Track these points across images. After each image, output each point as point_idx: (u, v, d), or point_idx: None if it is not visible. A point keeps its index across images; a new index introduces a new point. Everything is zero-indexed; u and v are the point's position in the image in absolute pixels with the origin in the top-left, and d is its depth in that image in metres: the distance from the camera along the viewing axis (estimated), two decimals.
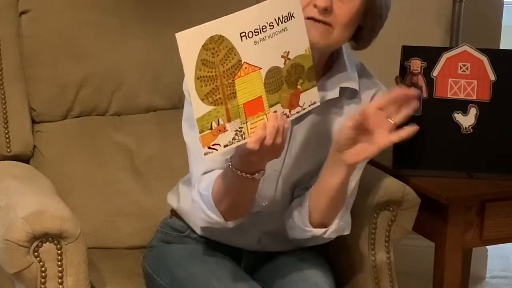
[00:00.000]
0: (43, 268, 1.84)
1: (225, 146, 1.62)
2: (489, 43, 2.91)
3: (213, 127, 1.60)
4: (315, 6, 1.78)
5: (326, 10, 1.79)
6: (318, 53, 1.80)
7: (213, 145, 1.60)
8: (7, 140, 2.27)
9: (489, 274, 3.31)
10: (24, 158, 2.30)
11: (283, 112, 1.68)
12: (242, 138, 1.63)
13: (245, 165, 1.70)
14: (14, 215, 1.85)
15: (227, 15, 1.62)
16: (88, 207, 2.25)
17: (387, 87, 1.99)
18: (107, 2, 2.35)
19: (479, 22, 2.97)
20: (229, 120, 1.61)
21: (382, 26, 1.89)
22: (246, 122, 1.63)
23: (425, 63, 2.24)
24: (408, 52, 2.25)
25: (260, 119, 1.64)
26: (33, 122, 2.32)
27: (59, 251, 1.85)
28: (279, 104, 1.67)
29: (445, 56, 2.24)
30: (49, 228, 1.83)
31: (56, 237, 1.84)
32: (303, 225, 1.91)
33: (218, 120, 1.60)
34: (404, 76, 2.25)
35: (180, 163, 2.24)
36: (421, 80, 2.25)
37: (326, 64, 1.91)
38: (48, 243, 1.84)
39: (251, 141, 1.63)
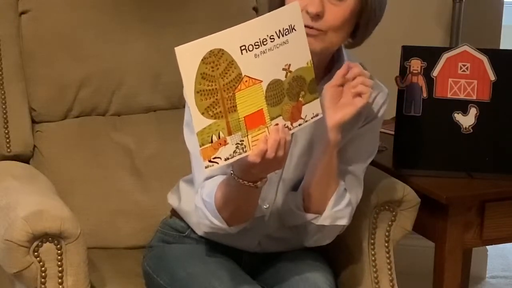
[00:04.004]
0: (43, 268, 1.84)
1: (226, 160, 1.61)
2: (489, 43, 2.91)
3: (213, 141, 1.59)
4: (307, 12, 1.77)
5: (318, 16, 1.78)
6: (317, 56, 1.79)
7: (213, 158, 1.60)
8: (7, 140, 2.27)
9: (489, 274, 3.31)
10: (24, 158, 2.30)
11: (284, 124, 1.67)
12: (243, 151, 1.63)
13: (247, 175, 1.70)
14: (14, 215, 1.85)
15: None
16: (88, 207, 2.25)
17: (387, 87, 1.99)
18: (107, 2, 2.35)
19: (479, 22, 2.97)
20: (229, 133, 1.61)
21: (376, 24, 1.89)
22: (247, 135, 1.63)
23: (425, 63, 2.24)
24: (408, 52, 2.25)
25: (261, 132, 1.64)
26: (33, 122, 2.32)
27: (59, 251, 1.85)
28: (281, 117, 1.67)
29: (445, 56, 2.24)
30: (49, 228, 1.83)
31: (56, 237, 1.84)
32: (297, 209, 1.91)
33: (219, 133, 1.59)
34: (404, 76, 2.25)
35: (180, 163, 2.24)
36: (421, 80, 2.25)
37: (327, 66, 1.91)
38: (48, 243, 1.84)
39: (252, 154, 1.63)
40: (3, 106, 2.28)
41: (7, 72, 2.29)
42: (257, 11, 2.49)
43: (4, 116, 2.28)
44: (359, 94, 1.78)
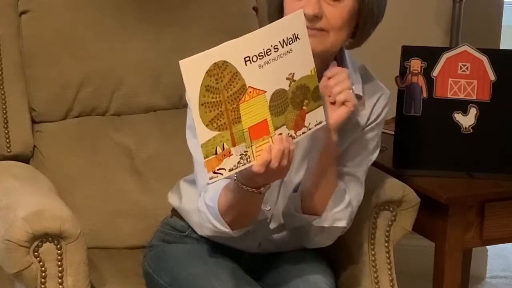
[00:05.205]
0: (43, 268, 1.84)
1: (230, 170, 1.61)
2: (489, 43, 2.91)
3: (218, 152, 1.59)
4: (305, 14, 1.76)
5: (316, 17, 1.78)
6: (318, 59, 1.78)
7: (218, 169, 1.60)
8: (7, 140, 2.27)
9: (489, 274, 3.31)
10: (24, 158, 2.30)
11: (288, 133, 1.67)
12: (248, 161, 1.63)
13: (251, 183, 1.71)
14: (14, 215, 1.85)
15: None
16: (88, 207, 2.25)
17: (388, 87, 1.99)
18: (107, 2, 2.35)
19: (479, 22, 2.97)
20: (234, 145, 1.60)
21: (376, 25, 1.88)
22: (251, 146, 1.62)
23: (425, 63, 2.24)
24: (408, 52, 2.25)
25: (266, 142, 1.64)
26: (33, 122, 2.32)
27: (59, 251, 1.85)
28: (285, 126, 1.67)
29: (445, 56, 2.24)
30: (49, 228, 1.83)
31: (56, 237, 1.84)
32: (296, 211, 1.91)
33: (223, 144, 1.59)
34: (404, 76, 2.25)
35: (180, 163, 2.24)
36: (421, 80, 2.25)
37: (329, 68, 1.90)
38: (48, 243, 1.84)
39: (256, 165, 1.63)
40: (3, 106, 2.28)
41: (7, 72, 2.29)
42: (257, 11, 2.49)
43: (4, 116, 2.28)
44: (343, 103, 1.78)
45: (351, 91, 1.78)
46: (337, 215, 1.90)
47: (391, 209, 2.09)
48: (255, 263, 2.03)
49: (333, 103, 1.78)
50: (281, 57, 1.63)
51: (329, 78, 1.79)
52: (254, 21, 2.46)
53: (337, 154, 1.88)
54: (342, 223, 1.92)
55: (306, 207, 1.90)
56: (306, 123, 1.71)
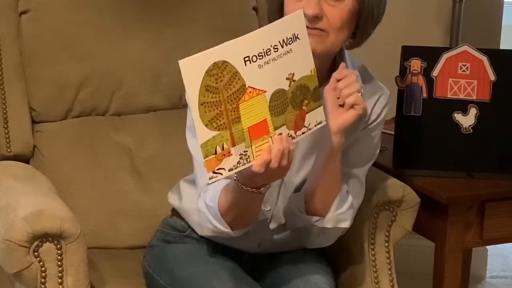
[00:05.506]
0: (43, 268, 1.84)
1: (229, 170, 1.61)
2: (489, 43, 2.91)
3: (217, 152, 1.59)
4: (305, 14, 1.75)
5: (317, 18, 1.78)
6: (319, 60, 1.78)
7: (217, 169, 1.60)
8: (7, 140, 2.27)
9: (489, 274, 3.31)
10: (24, 158, 2.30)
11: (288, 134, 1.67)
12: (247, 161, 1.63)
13: (251, 183, 1.71)
14: (14, 215, 1.85)
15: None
16: (88, 207, 2.25)
17: (388, 87, 1.99)
18: (107, 2, 2.35)
19: (479, 22, 2.97)
20: (233, 145, 1.60)
21: (376, 25, 1.88)
22: (251, 146, 1.62)
23: (425, 63, 2.24)
24: (408, 52, 2.25)
25: (265, 142, 1.64)
26: (33, 122, 2.32)
27: (59, 251, 1.85)
28: (284, 126, 1.67)
29: (445, 56, 2.24)
30: (49, 228, 1.83)
31: (56, 237, 1.84)
32: (299, 212, 1.91)
33: (223, 144, 1.59)
34: (404, 76, 2.25)
35: (180, 163, 2.24)
36: (421, 80, 2.25)
37: (329, 69, 1.90)
38: (48, 243, 1.84)
39: (256, 164, 1.63)
40: (3, 106, 2.28)
41: (7, 72, 2.29)
42: (257, 11, 2.49)
43: (4, 116, 2.28)
44: (352, 106, 1.78)
45: (360, 94, 1.78)
46: (341, 216, 1.91)
47: (391, 209, 2.09)
48: (255, 263, 2.03)
49: (341, 105, 1.78)
50: (281, 57, 1.63)
51: (338, 80, 1.79)
52: (254, 21, 2.47)
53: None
54: (346, 224, 1.92)
55: (309, 208, 1.90)
56: (306, 123, 1.71)
